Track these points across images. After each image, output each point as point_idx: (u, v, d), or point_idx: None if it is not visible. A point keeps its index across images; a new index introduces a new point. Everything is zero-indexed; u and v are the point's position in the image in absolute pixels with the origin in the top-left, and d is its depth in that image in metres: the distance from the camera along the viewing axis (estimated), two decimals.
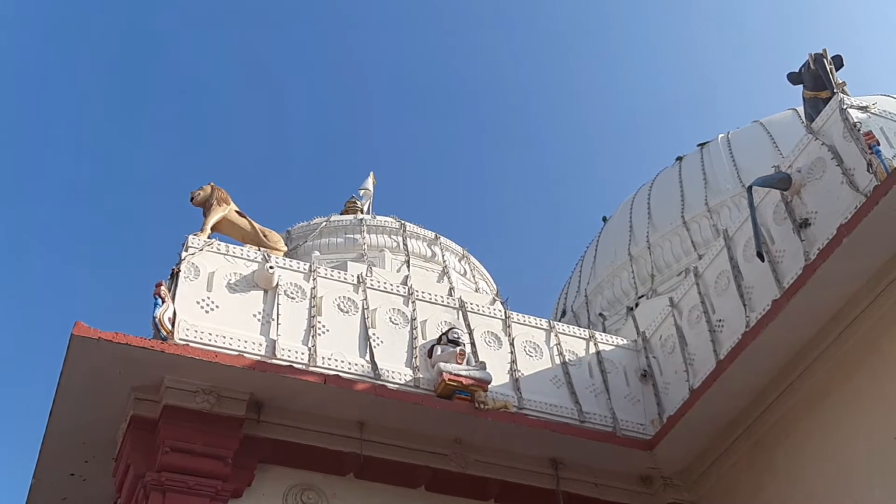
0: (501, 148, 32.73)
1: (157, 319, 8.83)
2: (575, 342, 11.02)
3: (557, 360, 10.68)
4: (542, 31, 32.28)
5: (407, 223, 13.21)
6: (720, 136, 15.93)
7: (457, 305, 10.70)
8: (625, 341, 11.47)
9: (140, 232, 27.88)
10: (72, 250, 27.87)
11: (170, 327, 8.85)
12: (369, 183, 14.45)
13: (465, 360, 9.81)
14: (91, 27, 28.28)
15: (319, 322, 9.72)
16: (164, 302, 8.97)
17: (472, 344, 10.24)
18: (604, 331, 13.78)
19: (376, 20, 31.41)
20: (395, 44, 32.16)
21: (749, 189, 9.62)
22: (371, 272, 11.17)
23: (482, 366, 9.90)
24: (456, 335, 10.02)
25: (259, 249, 10.26)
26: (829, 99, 9.41)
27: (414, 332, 10.13)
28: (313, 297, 9.88)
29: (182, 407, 8.79)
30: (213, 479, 8.68)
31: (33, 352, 26.42)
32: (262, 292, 9.72)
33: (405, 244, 12.83)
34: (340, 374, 9.28)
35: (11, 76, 26.99)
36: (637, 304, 14.37)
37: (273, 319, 9.51)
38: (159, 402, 8.83)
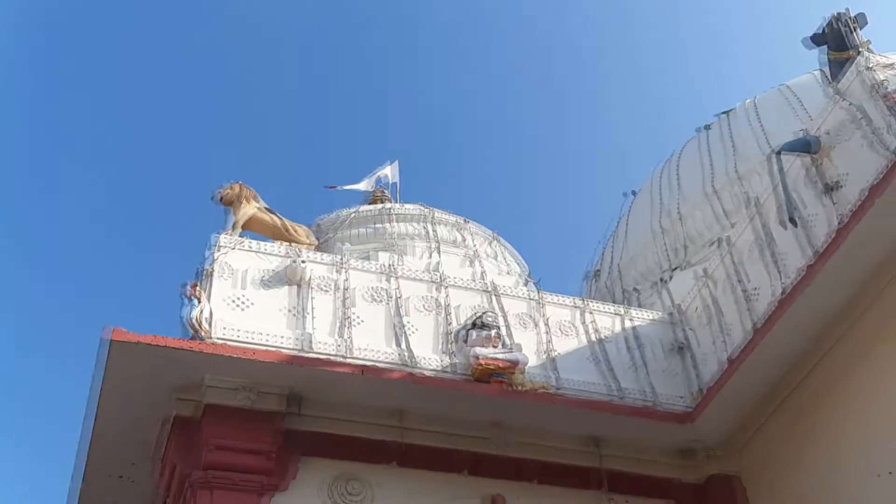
0: (525, 128, 32.61)
1: (193, 319, 8.95)
2: (609, 319, 11.00)
3: (592, 338, 10.67)
4: (560, 7, 32.04)
5: (434, 209, 13.23)
6: (747, 101, 15.71)
7: (488, 289, 10.72)
8: (659, 315, 11.43)
9: (165, 233, 28.09)
10: (93, 252, 28.12)
11: (206, 327, 8.96)
12: (387, 170, 14.43)
13: (499, 343, 9.83)
14: (115, 24, 28.48)
15: (352, 313, 9.79)
16: (199, 302, 9.08)
17: (506, 326, 10.26)
18: (638, 305, 13.71)
19: (397, 6, 31.34)
20: (415, 29, 32.09)
21: (777, 154, 9.52)
22: (401, 260, 11.21)
23: (517, 348, 9.92)
24: (489, 319, 10.04)
25: (289, 245, 10.33)
26: (853, 59, 9.26)
27: (447, 317, 10.18)
28: (345, 288, 9.95)
29: (223, 405, 8.92)
30: (258, 475, 8.81)
31: (51, 357, 26.67)
32: (294, 287, 9.82)
33: (433, 230, 12.85)
34: (376, 363, 9.35)
35: (36, 78, 27.28)
36: (671, 277, 14.26)
37: (307, 313, 9.60)
38: (200, 401, 8.96)
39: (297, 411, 9.19)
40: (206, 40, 29.79)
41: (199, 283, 9.31)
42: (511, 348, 9.87)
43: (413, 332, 9.88)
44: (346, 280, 10.05)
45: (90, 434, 9.16)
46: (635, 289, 15.10)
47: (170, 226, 26.67)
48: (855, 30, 9.52)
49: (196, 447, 8.87)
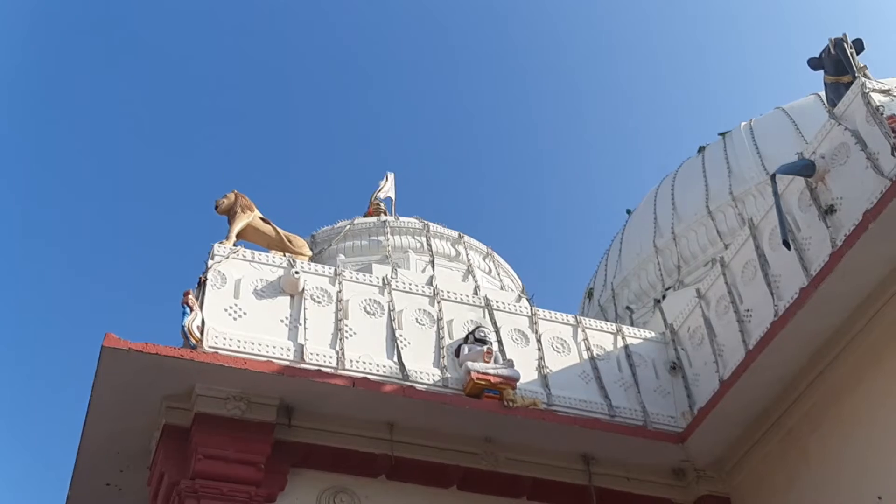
0: (522, 144, 32.70)
1: (185, 328, 8.93)
2: (602, 336, 10.99)
3: (585, 356, 10.66)
4: (558, 26, 32.20)
5: (430, 223, 13.25)
6: (742, 123, 15.78)
7: (482, 304, 10.71)
8: (653, 334, 11.43)
9: (166, 241, 28.13)
10: (98, 260, 28.15)
11: (199, 335, 8.94)
12: (384, 184, 14.44)
13: (492, 359, 9.83)
14: (115, 27, 28.54)
15: (346, 325, 9.77)
16: (192, 310, 9.07)
17: (499, 342, 10.25)
18: (631, 324, 13.72)
19: (394, 18, 31.48)
20: (414, 43, 32.22)
21: (773, 177, 9.56)
22: (396, 273, 11.22)
23: (510, 363, 9.90)
24: (483, 334, 10.04)
25: (284, 255, 10.34)
26: (851, 83, 9.32)
27: (440, 331, 10.16)
28: (339, 300, 9.94)
29: (213, 414, 8.88)
30: (247, 485, 8.76)
31: (60, 363, 26.69)
32: (288, 297, 9.79)
33: (429, 244, 12.86)
34: (369, 376, 9.33)
35: (35, 85, 27.31)
36: (664, 297, 14.29)
37: (300, 324, 9.57)
38: (191, 410, 8.93)
39: (287, 422, 9.16)
40: (207, 49, 29.90)
41: (192, 292, 9.29)
42: (504, 364, 9.86)
43: (406, 346, 9.87)
44: (341, 292, 10.04)
45: (79, 440, 9.13)
46: (629, 308, 15.14)
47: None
48: (852, 55, 9.58)
49: (185, 456, 8.83)
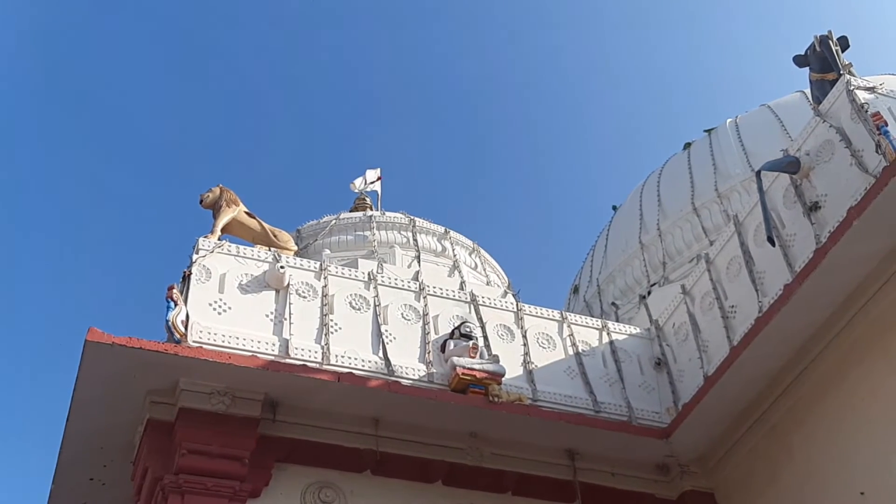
0: (508, 140, 32.70)
1: (170, 322, 8.88)
2: (588, 332, 11.01)
3: (571, 351, 10.68)
4: (544, 22, 32.21)
5: (416, 219, 13.23)
6: (728, 120, 15.85)
7: (468, 299, 10.70)
8: (638, 330, 11.45)
9: (151, 235, 28.00)
10: (82, 254, 27.98)
11: (183, 330, 8.90)
12: (368, 176, 14.41)
13: (478, 354, 9.82)
14: (104, 23, 28.40)
15: (332, 320, 9.74)
16: (176, 305, 9.01)
17: (485, 337, 10.25)
18: (617, 320, 13.76)
19: (382, 15, 31.40)
20: (400, 39, 32.16)
21: (758, 174, 9.58)
22: (382, 269, 11.20)
23: (495, 359, 9.90)
24: (468, 329, 10.03)
25: (269, 249, 10.30)
26: (836, 81, 9.36)
27: (426, 327, 10.15)
28: (325, 295, 9.91)
29: (198, 409, 8.85)
30: (231, 480, 8.72)
31: (47, 356, 26.57)
32: (273, 292, 9.76)
33: (415, 240, 12.85)
34: (354, 371, 9.30)
35: (26, 80, 27.13)
36: (649, 292, 14.33)
37: (285, 319, 9.54)
38: (175, 404, 8.88)
39: (271, 417, 9.13)
40: (195, 43, 29.74)
41: (176, 286, 9.23)
42: (490, 359, 9.86)
43: (392, 341, 9.85)
44: (326, 287, 10.01)
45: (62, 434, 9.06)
46: (614, 303, 15.18)
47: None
48: (837, 52, 9.62)
49: (169, 451, 8.78)
